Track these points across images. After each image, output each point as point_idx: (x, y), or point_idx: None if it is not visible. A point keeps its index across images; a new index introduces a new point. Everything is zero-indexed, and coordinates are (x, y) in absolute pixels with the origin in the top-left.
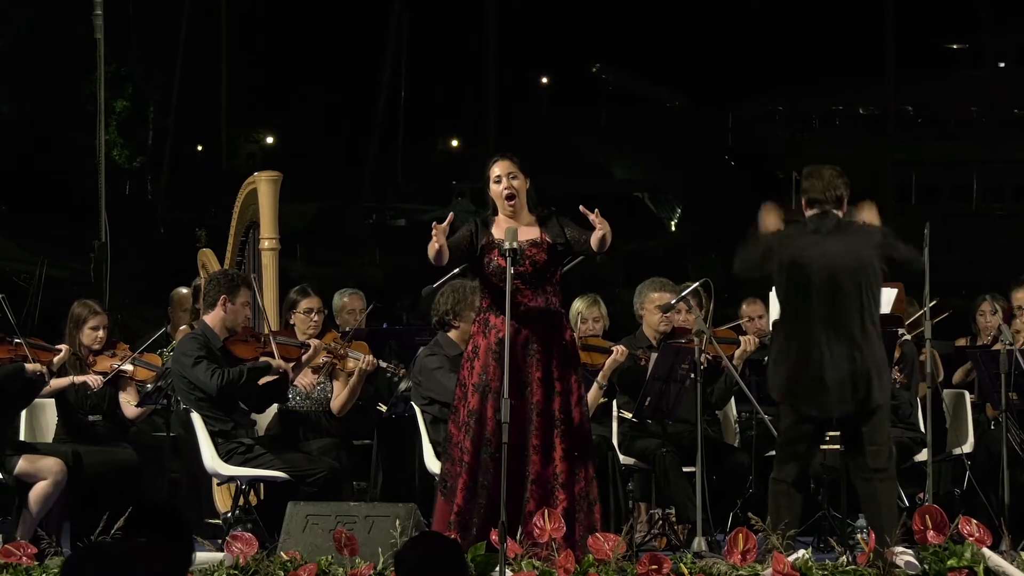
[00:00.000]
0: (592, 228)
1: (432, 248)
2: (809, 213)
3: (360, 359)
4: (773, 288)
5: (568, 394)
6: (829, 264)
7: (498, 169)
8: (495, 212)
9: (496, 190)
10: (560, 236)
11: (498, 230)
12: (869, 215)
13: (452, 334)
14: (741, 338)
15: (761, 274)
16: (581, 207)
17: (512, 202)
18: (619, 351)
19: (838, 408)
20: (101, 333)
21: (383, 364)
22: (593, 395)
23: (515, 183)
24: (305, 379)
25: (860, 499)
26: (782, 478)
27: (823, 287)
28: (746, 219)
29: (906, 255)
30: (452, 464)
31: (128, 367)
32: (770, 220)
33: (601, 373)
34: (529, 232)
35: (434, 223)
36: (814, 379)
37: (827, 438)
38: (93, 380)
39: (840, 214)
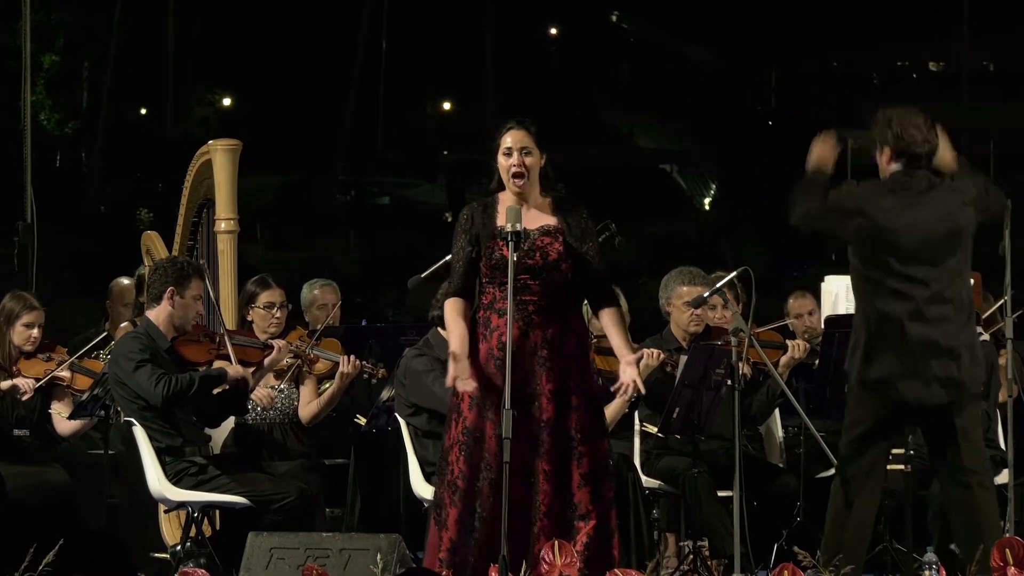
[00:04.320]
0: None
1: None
2: (892, 167)
3: (335, 360)
4: (825, 280)
5: (585, 409)
6: (922, 231)
7: (510, 139)
8: (500, 187)
9: (504, 164)
10: (577, 241)
11: (503, 211)
12: (941, 152)
13: (447, 333)
14: (788, 342)
15: (827, 231)
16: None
17: (521, 181)
18: (652, 354)
19: (931, 397)
20: (35, 332)
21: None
22: (618, 407)
23: (528, 160)
24: (260, 391)
25: (951, 513)
26: (847, 488)
27: (914, 258)
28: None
29: (997, 201)
30: (445, 489)
31: (65, 373)
32: (826, 151)
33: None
34: (541, 217)
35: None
36: (908, 362)
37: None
38: (24, 383)
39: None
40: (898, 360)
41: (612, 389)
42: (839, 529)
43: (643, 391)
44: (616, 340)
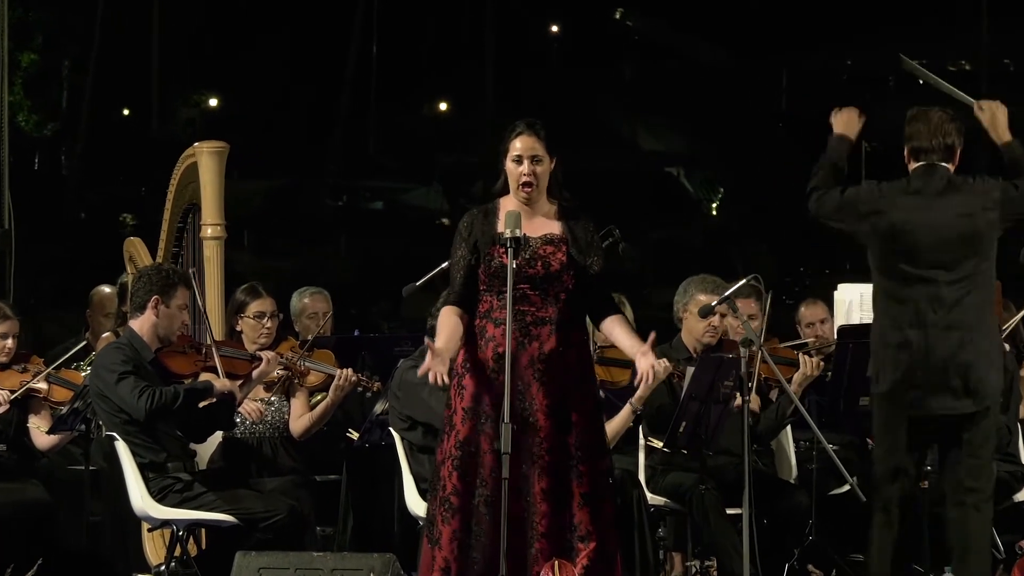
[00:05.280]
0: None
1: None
2: (913, 167)
3: (327, 372)
4: (838, 289)
5: (585, 426)
6: (938, 232)
7: (520, 145)
8: (504, 190)
9: (513, 171)
10: (581, 253)
11: (504, 216)
12: (992, 115)
13: None
14: (801, 358)
15: (841, 228)
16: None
17: (530, 190)
18: (660, 365)
19: (943, 406)
20: (10, 343)
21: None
22: (622, 421)
23: (539, 169)
24: (249, 404)
25: (948, 530)
26: (886, 501)
27: (930, 261)
28: (803, 200)
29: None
30: (438, 506)
31: (42, 385)
32: (848, 118)
33: (636, 394)
34: (545, 225)
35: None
36: (917, 371)
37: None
38: None
39: (951, 168)
40: (911, 369)
41: (636, 382)
42: (882, 551)
43: (665, 368)
44: (625, 340)
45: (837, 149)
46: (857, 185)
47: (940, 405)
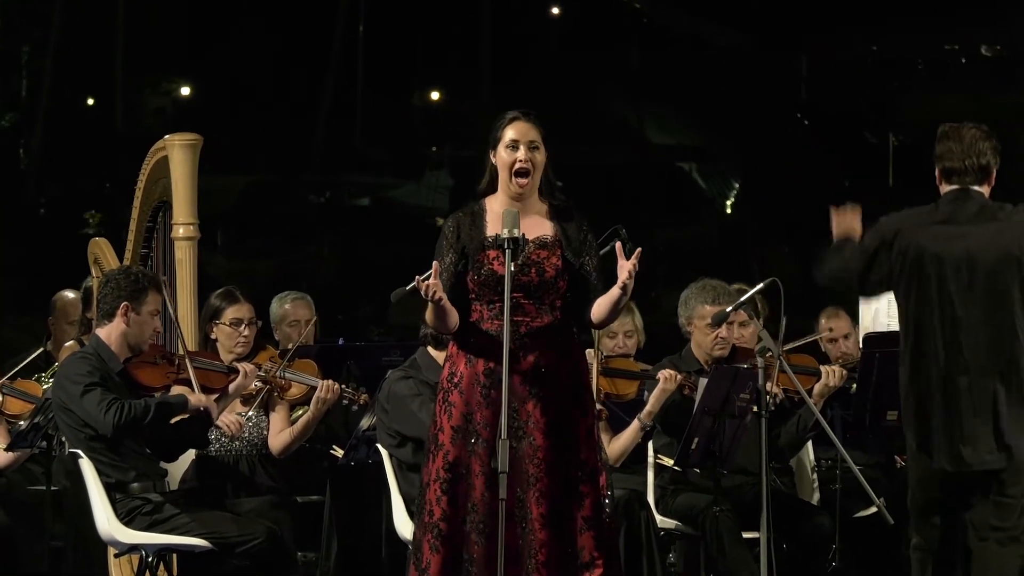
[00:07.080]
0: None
1: (431, 315)
2: (945, 190)
3: (310, 384)
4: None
5: (584, 444)
6: (970, 263)
7: (515, 131)
8: (490, 189)
9: (506, 159)
10: (575, 255)
11: (493, 219)
12: None
13: (438, 354)
14: (823, 368)
15: (862, 282)
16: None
17: (525, 180)
18: (669, 377)
19: (979, 462)
20: None
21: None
22: (630, 437)
23: (537, 157)
24: (228, 416)
25: (971, 563)
26: (922, 546)
27: (961, 294)
28: (825, 198)
29: None
30: (426, 532)
31: None
32: (848, 221)
33: (646, 409)
34: (537, 227)
35: (425, 282)
36: (947, 421)
37: None
38: None
39: (985, 192)
40: (940, 420)
41: (618, 286)
42: None
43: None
44: (610, 292)
45: (846, 246)
46: (873, 225)
47: (978, 463)
